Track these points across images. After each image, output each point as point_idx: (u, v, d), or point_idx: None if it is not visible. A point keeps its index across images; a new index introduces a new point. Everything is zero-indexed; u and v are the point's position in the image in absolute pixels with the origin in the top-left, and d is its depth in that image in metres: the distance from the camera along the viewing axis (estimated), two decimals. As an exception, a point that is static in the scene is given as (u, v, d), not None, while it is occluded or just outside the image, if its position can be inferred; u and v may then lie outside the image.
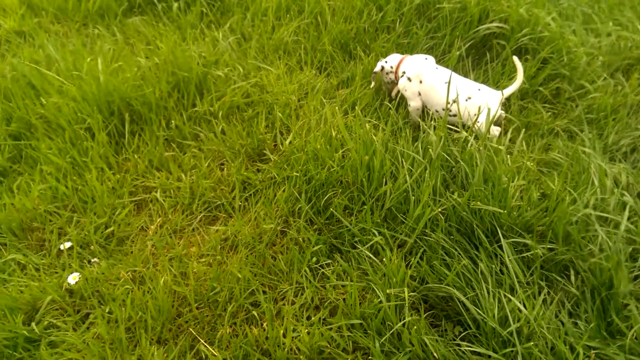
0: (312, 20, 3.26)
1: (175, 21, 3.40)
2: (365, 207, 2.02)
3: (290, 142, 2.41)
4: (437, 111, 2.47)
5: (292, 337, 1.67)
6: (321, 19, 3.22)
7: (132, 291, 1.85)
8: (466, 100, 2.36)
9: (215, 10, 3.48)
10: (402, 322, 1.61)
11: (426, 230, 1.87)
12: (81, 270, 1.94)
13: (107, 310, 1.80)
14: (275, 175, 2.30)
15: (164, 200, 2.24)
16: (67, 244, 2.04)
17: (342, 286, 1.86)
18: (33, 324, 1.76)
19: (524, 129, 2.39)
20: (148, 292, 1.85)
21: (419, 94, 2.53)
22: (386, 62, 2.71)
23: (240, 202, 2.24)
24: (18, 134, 2.50)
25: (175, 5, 3.44)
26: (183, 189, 2.28)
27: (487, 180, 1.92)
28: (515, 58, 2.44)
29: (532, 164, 2.03)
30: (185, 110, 2.66)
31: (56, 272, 1.99)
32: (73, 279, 1.87)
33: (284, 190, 2.21)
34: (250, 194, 2.28)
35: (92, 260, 2.03)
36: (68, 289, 1.91)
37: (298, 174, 2.15)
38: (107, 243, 2.09)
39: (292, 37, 3.13)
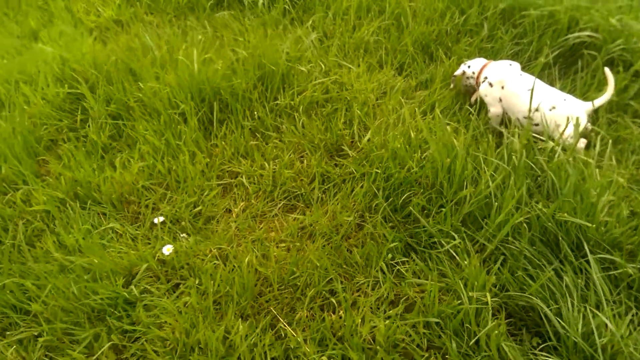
0: (392, 21, 3.30)
1: (259, 17, 3.54)
2: (444, 209, 2.05)
3: (368, 140, 2.47)
4: (518, 119, 2.45)
5: (370, 328, 1.73)
6: (402, 20, 3.25)
7: (219, 267, 1.99)
8: (550, 110, 2.32)
9: (298, 8, 3.60)
10: (484, 327, 1.63)
11: (508, 238, 1.88)
12: (173, 243, 2.10)
13: (197, 282, 1.94)
14: (354, 171, 2.37)
15: (248, 185, 2.37)
16: (160, 218, 2.20)
17: (418, 285, 1.91)
18: (132, 286, 1.93)
19: (612, 143, 2.32)
20: (233, 269, 1.98)
21: (500, 100, 2.51)
22: (468, 66, 2.71)
23: (319, 194, 2.33)
24: (117, 115, 2.71)
25: (261, 1, 3.58)
26: (266, 177, 2.40)
27: (575, 193, 1.90)
28: (606, 69, 2.38)
29: (622, 179, 1.98)
30: (268, 102, 2.78)
31: (149, 243, 2.16)
32: (167, 250, 2.02)
33: (362, 186, 2.27)
34: (329, 187, 2.36)
35: (182, 235, 2.18)
36: (160, 259, 2.07)
37: (378, 171, 2.21)
38: (196, 221, 2.24)
39: (372, 36, 3.19)
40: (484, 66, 2.65)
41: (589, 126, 2.41)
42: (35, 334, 1.82)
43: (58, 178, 2.35)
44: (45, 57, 2.99)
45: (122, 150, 2.56)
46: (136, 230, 2.21)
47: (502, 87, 2.50)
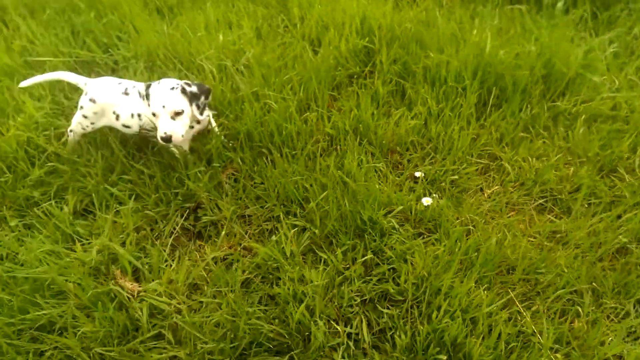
0: None
1: (553, 18, 3.46)
2: None
3: (655, 170, 2.29)
4: None
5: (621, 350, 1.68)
6: None
7: (470, 233, 2.12)
8: None
9: (597, 21, 3.41)
10: None
11: None
12: (430, 197, 2.30)
13: (445, 239, 2.11)
14: (627, 196, 2.24)
15: (507, 173, 2.43)
16: (421, 174, 2.42)
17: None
18: (390, 218, 2.19)
19: None
20: (479, 242, 2.09)
21: None
22: None
23: (582, 205, 2.27)
24: (400, 75, 2.99)
25: (560, 3, 3.49)
26: (527, 170, 2.43)
27: None
28: None
29: None
30: (547, 102, 2.76)
31: (401, 190, 2.39)
32: (427, 202, 2.23)
33: (635, 214, 2.14)
34: (593, 202, 2.28)
35: (434, 195, 2.37)
36: (409, 207, 2.29)
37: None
38: (450, 187, 2.41)
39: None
40: None
41: None
42: (307, 226, 2.19)
43: (345, 112, 2.74)
44: (352, 11, 3.43)
45: (398, 106, 2.84)
46: (396, 177, 2.48)
47: None
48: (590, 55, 3.04)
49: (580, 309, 1.86)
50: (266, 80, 2.85)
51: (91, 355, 1.76)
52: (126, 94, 2.33)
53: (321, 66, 2.97)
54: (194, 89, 2.21)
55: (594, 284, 1.97)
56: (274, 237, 2.10)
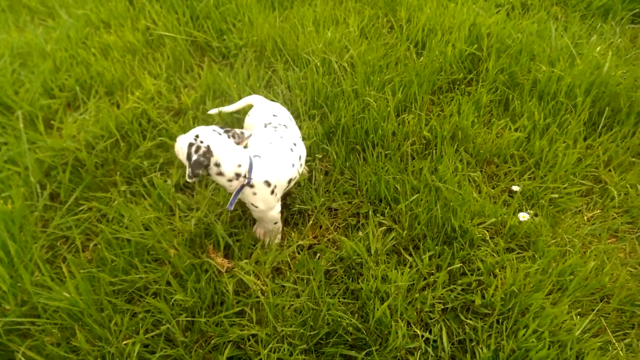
0: None
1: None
2: None
3: None
4: None
5: None
6: None
7: (566, 254, 2.04)
8: None
9: None
10: None
11: None
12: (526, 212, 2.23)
13: (539, 258, 2.04)
14: None
15: (610, 198, 2.30)
16: (519, 188, 2.36)
17: None
18: (482, 228, 2.16)
19: None
20: (576, 264, 2.00)
21: None
22: None
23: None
24: (507, 85, 2.91)
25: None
26: (634, 198, 2.28)
27: None
28: None
29: None
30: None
31: (495, 203, 2.33)
32: (523, 217, 2.17)
33: None
34: None
35: (530, 211, 2.30)
36: (504, 221, 2.23)
37: None
38: (548, 205, 2.31)
39: None
40: None
41: None
42: (393, 226, 2.22)
43: (445, 117, 2.72)
44: (461, 17, 3.38)
45: (499, 116, 2.77)
46: (491, 188, 2.43)
47: None
48: None
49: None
50: (367, 79, 2.91)
51: (179, 322, 1.86)
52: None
53: (424, 69, 2.97)
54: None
55: None
56: (360, 233, 2.15)
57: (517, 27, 3.36)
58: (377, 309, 1.80)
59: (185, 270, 1.98)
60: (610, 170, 2.46)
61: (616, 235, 2.21)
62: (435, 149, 2.54)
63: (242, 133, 1.90)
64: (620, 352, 1.75)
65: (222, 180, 1.86)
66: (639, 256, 2.11)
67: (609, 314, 1.89)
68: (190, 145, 1.79)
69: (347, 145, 2.57)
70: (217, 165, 1.82)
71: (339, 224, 2.28)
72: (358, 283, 1.97)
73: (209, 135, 1.82)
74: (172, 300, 1.91)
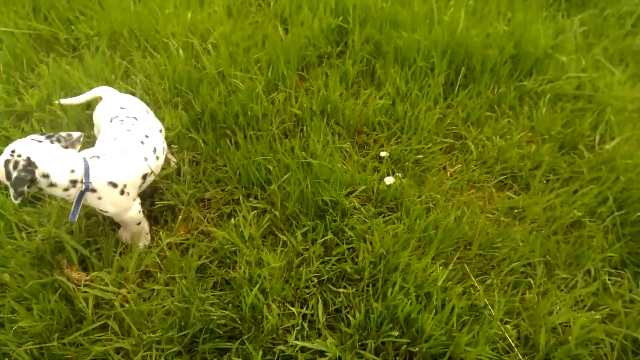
0: (680, 36, 2.94)
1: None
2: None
3: (613, 148, 2.33)
4: None
5: (567, 319, 1.73)
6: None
7: (430, 210, 2.15)
8: None
9: (570, 2, 3.42)
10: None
11: None
12: (394, 176, 2.31)
13: (405, 217, 2.13)
14: (585, 172, 2.28)
15: (470, 151, 2.46)
16: (386, 153, 2.44)
17: (624, 299, 1.82)
18: (352, 198, 2.20)
19: None
20: (439, 218, 2.12)
21: None
22: None
23: (541, 181, 2.31)
24: (372, 54, 2.98)
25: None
26: (490, 148, 2.45)
27: None
28: None
29: None
30: (514, 81, 2.78)
31: (364, 170, 2.41)
32: (389, 181, 2.25)
33: (591, 189, 2.19)
34: (552, 179, 2.32)
35: (398, 174, 2.39)
36: (372, 187, 2.30)
37: (623, 178, 2.10)
38: (414, 166, 2.42)
39: (649, 47, 2.90)
40: None
41: None
42: (267, 208, 2.20)
43: (314, 93, 2.73)
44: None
45: (367, 86, 2.84)
46: (362, 157, 2.49)
47: None
48: (560, 36, 3.05)
49: (532, 281, 1.91)
50: (233, 60, 2.82)
51: (28, 350, 1.68)
52: None
53: (291, 46, 2.95)
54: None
55: (547, 256, 2.01)
56: (232, 221, 2.10)
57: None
58: (249, 295, 1.77)
59: (30, 292, 1.79)
60: (469, 126, 2.62)
61: (475, 186, 2.37)
62: (307, 126, 2.54)
63: (70, 135, 1.73)
64: (481, 292, 1.89)
65: (57, 192, 1.69)
66: (495, 202, 2.29)
67: (472, 259, 2.03)
68: (7, 162, 1.60)
69: (217, 131, 2.49)
70: (46, 176, 1.64)
71: (213, 215, 2.21)
72: (231, 272, 1.93)
73: (27, 146, 1.64)
74: (16, 327, 1.72)
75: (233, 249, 1.99)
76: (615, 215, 2.05)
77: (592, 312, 1.80)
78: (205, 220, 2.17)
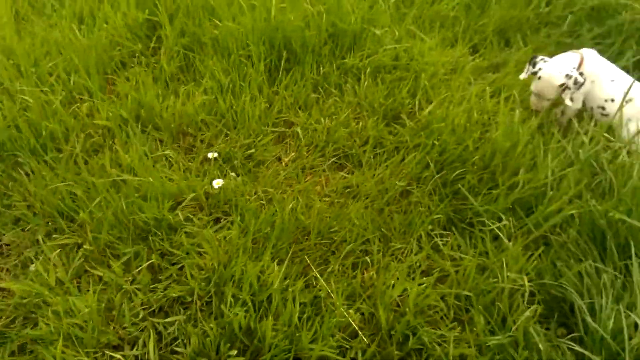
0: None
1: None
2: (494, 191, 2.02)
3: (430, 112, 2.44)
4: (592, 107, 2.35)
5: (401, 290, 1.75)
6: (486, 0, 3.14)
7: (263, 208, 2.04)
8: (627, 102, 2.21)
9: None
10: (516, 308, 1.63)
11: (556, 229, 1.84)
12: (222, 179, 2.16)
13: (239, 219, 2.00)
14: (408, 140, 2.36)
15: (302, 137, 2.40)
16: (214, 154, 2.27)
17: (454, 259, 1.91)
18: (178, 211, 2.01)
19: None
20: (275, 213, 2.03)
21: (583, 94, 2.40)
22: (569, 76, 2.27)
23: (370, 156, 2.33)
24: (189, 48, 2.77)
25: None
26: (320, 131, 2.42)
27: (634, 195, 1.84)
28: None
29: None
30: (336, 60, 2.78)
31: (197, 176, 2.23)
32: (217, 184, 2.09)
33: (414, 156, 2.26)
34: (380, 152, 2.36)
35: (231, 174, 2.25)
36: (207, 192, 2.14)
37: (436, 143, 2.19)
38: (246, 162, 2.30)
39: (452, 12, 3.10)
40: (581, 62, 2.36)
41: None
42: (79, 242, 1.92)
43: (122, 98, 2.44)
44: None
45: (187, 82, 2.62)
46: (189, 162, 2.29)
47: (592, 81, 2.35)
48: (374, 9, 3.12)
49: (369, 259, 1.91)
50: (22, 73, 2.41)
51: None
52: None
53: (92, 48, 2.60)
54: None
55: (382, 230, 2.03)
56: (32, 267, 1.77)
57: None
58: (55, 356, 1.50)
59: None
60: (297, 111, 2.55)
61: (311, 172, 2.32)
62: (120, 137, 2.26)
63: None
64: (322, 281, 1.84)
65: None
66: (331, 184, 2.26)
67: (312, 249, 1.97)
68: None
69: (7, 161, 2.10)
70: None
71: (13, 263, 1.85)
72: (36, 329, 1.62)
73: None
74: None
75: (36, 301, 1.67)
76: (435, 177, 2.13)
77: (427, 277, 1.86)
78: (3, 274, 1.81)
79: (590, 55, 2.41)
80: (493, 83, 2.65)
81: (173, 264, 1.86)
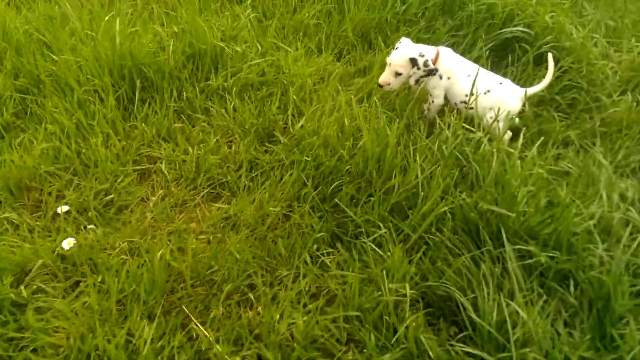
0: (335, 6, 3.20)
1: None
2: (372, 199, 1.98)
3: (302, 126, 2.36)
4: (456, 104, 2.43)
5: (288, 324, 1.63)
6: (345, 5, 3.16)
7: (126, 262, 1.81)
8: (485, 93, 2.31)
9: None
10: (403, 318, 1.58)
11: (432, 229, 1.84)
12: (76, 235, 1.90)
13: (99, 280, 1.76)
14: (284, 158, 2.26)
15: (168, 172, 2.19)
16: (65, 208, 1.99)
17: (342, 276, 1.83)
18: (22, 287, 1.71)
19: (535, 135, 2.36)
20: (143, 264, 1.81)
21: (444, 90, 2.47)
22: (422, 55, 2.37)
23: (246, 181, 2.20)
24: (25, 89, 2.44)
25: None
26: (189, 163, 2.23)
27: (497, 183, 1.89)
28: (550, 57, 2.39)
29: (542, 171, 1.99)
30: (199, 82, 2.60)
31: (50, 236, 1.94)
32: (67, 244, 1.82)
33: (291, 174, 2.16)
34: (257, 175, 2.23)
35: (89, 226, 1.98)
36: (60, 254, 1.86)
37: (308, 159, 2.11)
38: (106, 210, 2.05)
39: (313, 20, 3.08)
40: (437, 55, 2.43)
41: (516, 120, 2.43)
42: None
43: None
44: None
45: (26, 129, 2.30)
46: (36, 221, 1.99)
47: (449, 78, 2.43)
48: (236, 25, 2.99)
49: (252, 296, 1.77)
50: None
51: None
52: None
53: None
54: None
55: (267, 259, 1.90)
56: None
57: (31, 18, 2.85)
58: None
59: None
60: (160, 144, 2.34)
61: (183, 209, 2.13)
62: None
63: None
64: (203, 331, 1.66)
65: None
66: (207, 218, 2.08)
67: (191, 296, 1.78)
68: None
69: None
70: None
71: None
72: None
73: None
74: None
75: None
76: (313, 194, 2.05)
77: (316, 301, 1.75)
78: None
79: (445, 52, 2.49)
80: (361, 89, 2.65)
81: (22, 349, 1.57)
